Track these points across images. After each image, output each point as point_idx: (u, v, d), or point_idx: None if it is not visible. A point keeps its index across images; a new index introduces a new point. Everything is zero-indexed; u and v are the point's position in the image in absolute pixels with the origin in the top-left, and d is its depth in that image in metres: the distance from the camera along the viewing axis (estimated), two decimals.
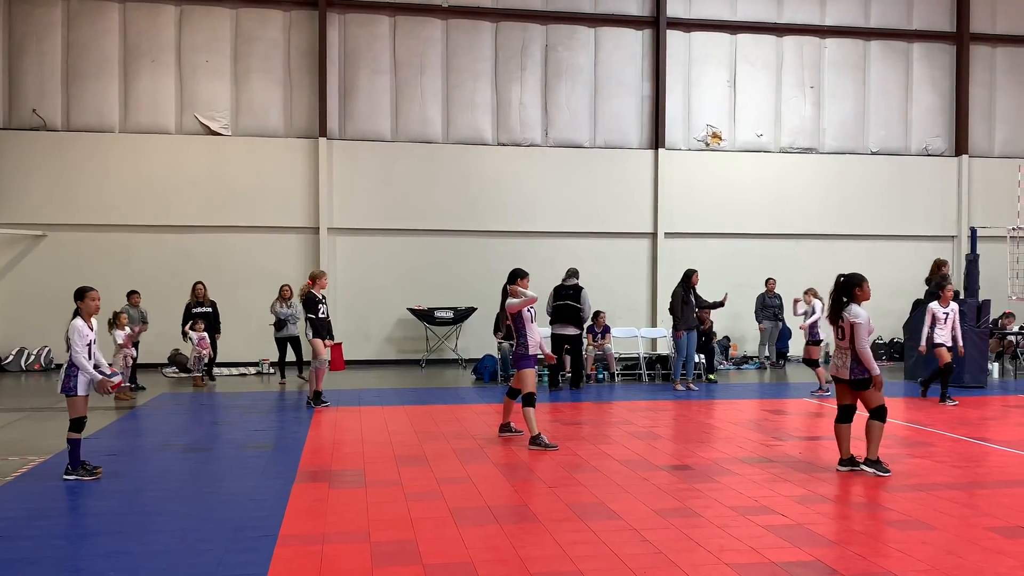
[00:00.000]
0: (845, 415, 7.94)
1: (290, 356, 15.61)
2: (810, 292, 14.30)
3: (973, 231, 15.88)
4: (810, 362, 14.07)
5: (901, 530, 5.99)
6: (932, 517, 6.31)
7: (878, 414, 7.71)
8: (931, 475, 7.76)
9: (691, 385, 14.53)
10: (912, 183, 20.69)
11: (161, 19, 18.14)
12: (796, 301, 14.29)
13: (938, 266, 14.96)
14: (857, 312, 7.73)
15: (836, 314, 7.87)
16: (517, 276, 9.56)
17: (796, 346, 19.43)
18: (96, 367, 7.70)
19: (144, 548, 5.59)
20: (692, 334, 14.50)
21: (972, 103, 20.93)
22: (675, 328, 14.53)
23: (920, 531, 5.96)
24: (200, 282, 15.80)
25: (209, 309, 15.67)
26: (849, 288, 7.85)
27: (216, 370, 16.40)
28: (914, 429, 10.35)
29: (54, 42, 17.85)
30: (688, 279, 14.53)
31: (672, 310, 14.54)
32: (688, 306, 14.38)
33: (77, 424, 7.61)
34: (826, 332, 13.89)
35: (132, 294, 15.04)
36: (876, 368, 7.71)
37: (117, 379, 8.00)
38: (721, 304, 14.80)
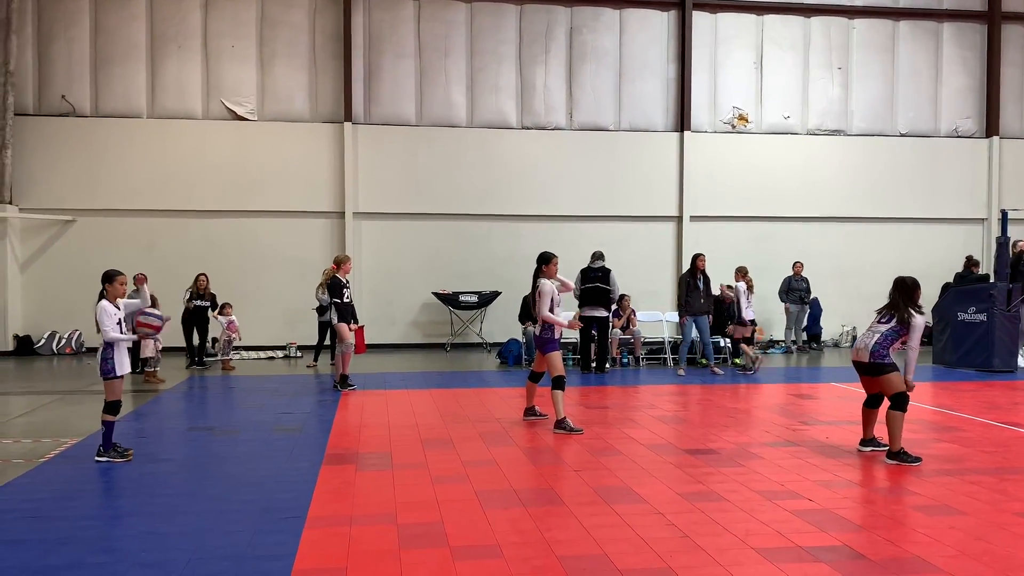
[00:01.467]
0: (873, 400, 7.94)
1: (329, 341, 15.63)
2: (739, 272, 14.44)
3: (1004, 213, 15.65)
4: (747, 340, 14.63)
5: (929, 515, 5.95)
6: (961, 502, 6.26)
7: (898, 402, 7.57)
8: (960, 460, 7.69)
9: (715, 369, 14.46)
10: (942, 165, 20.43)
11: (187, 5, 18.23)
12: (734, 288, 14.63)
13: (1021, 250, 15.17)
14: (920, 316, 7.67)
15: (892, 308, 7.71)
16: (545, 260, 9.55)
17: (829, 328, 19.47)
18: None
19: (175, 529, 5.67)
20: (702, 319, 14.41)
21: (1003, 83, 20.60)
22: (680, 314, 14.53)
23: (949, 516, 5.91)
24: (203, 274, 15.47)
25: (207, 303, 15.35)
26: (911, 291, 7.71)
27: (243, 353, 16.53)
28: (943, 414, 10.27)
29: (82, 28, 17.99)
30: (693, 263, 14.54)
31: (678, 296, 14.54)
32: (695, 291, 14.33)
33: (113, 407, 7.70)
34: (753, 313, 14.68)
35: (138, 277, 13.90)
36: (912, 373, 7.69)
37: (159, 322, 8.21)
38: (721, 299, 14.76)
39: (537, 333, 9.55)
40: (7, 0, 17.33)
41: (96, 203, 17.90)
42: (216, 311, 15.37)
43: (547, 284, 9.42)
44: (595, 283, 14.41)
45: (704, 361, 15.14)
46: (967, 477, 7.01)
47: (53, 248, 17.93)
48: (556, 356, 9.35)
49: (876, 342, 7.67)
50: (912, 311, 7.64)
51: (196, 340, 15.32)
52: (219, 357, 15.36)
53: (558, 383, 9.22)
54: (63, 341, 17.61)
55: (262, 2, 18.47)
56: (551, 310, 9.37)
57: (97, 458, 7.62)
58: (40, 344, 17.53)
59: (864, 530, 5.63)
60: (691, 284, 14.36)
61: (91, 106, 18.07)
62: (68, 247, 17.87)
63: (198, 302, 15.29)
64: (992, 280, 15.24)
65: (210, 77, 18.38)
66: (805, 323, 18.91)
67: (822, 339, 19.37)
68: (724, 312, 16.05)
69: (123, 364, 7.78)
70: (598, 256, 14.72)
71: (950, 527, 5.66)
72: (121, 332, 7.78)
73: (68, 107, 17.96)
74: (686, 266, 18.98)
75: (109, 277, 7.88)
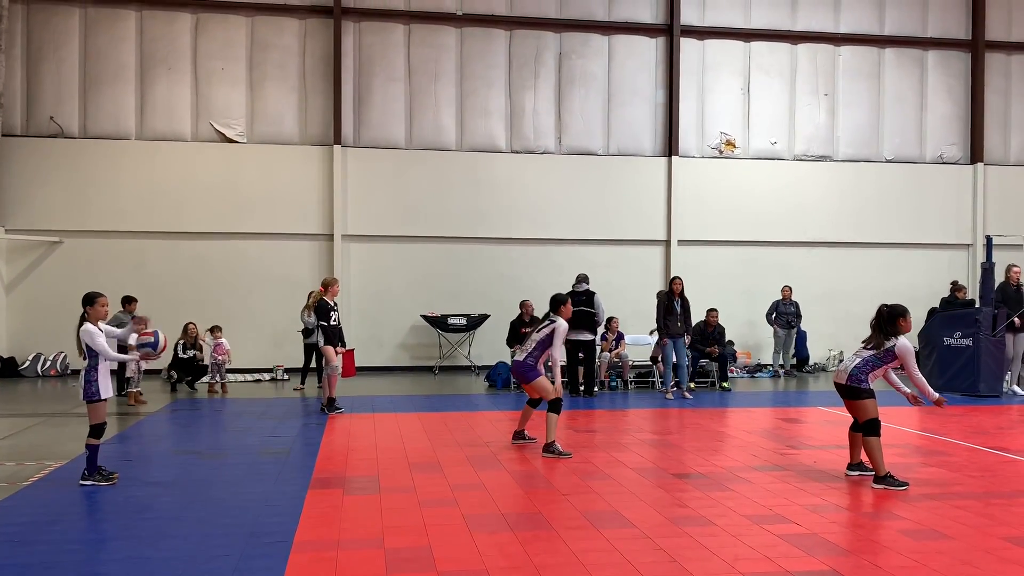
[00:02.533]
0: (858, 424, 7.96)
1: (314, 363, 15.59)
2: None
3: (989, 239, 15.79)
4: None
5: (916, 539, 5.96)
6: (948, 527, 6.28)
7: (870, 428, 7.59)
8: (947, 484, 7.71)
9: (686, 393, 14.40)
10: (927, 191, 20.62)
11: (177, 27, 18.28)
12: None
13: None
14: (904, 342, 7.69)
15: (878, 339, 7.73)
16: (562, 301, 9.51)
17: (815, 352, 19.53)
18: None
19: (160, 554, 5.62)
20: (679, 341, 14.47)
21: (987, 111, 20.85)
22: (660, 336, 14.58)
23: (935, 541, 5.93)
24: (192, 323, 15.44)
25: (196, 352, 15.33)
26: (894, 319, 7.73)
27: (230, 376, 16.45)
28: (929, 438, 10.30)
29: (71, 49, 18.01)
30: (670, 286, 14.70)
31: (656, 318, 14.59)
32: (672, 315, 14.39)
33: (97, 430, 7.63)
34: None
35: (129, 300, 14.25)
36: (934, 393, 7.85)
37: (161, 342, 8.10)
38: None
39: (520, 359, 9.41)
40: None
41: (84, 224, 17.84)
42: (207, 331, 15.29)
43: (564, 324, 9.36)
44: (579, 306, 14.40)
45: (725, 385, 15.74)
46: (954, 502, 7.02)
47: (40, 269, 17.84)
48: (544, 380, 9.32)
49: (856, 366, 7.72)
50: (885, 339, 7.69)
51: (188, 373, 15.32)
52: (209, 380, 15.26)
53: (555, 406, 9.19)
54: (48, 363, 17.50)
55: (252, 24, 18.55)
56: (555, 341, 9.34)
57: (81, 482, 7.55)
58: (25, 366, 17.41)
59: (851, 554, 5.64)
60: (668, 307, 14.42)
61: (80, 127, 18.06)
62: (55, 268, 17.78)
63: (191, 351, 15.24)
64: (978, 305, 15.34)
65: (199, 99, 18.41)
66: (795, 347, 18.97)
67: (811, 362, 19.42)
68: (709, 335, 16.13)
69: (107, 387, 7.72)
70: (582, 279, 14.75)
71: (937, 552, 5.67)
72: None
73: (56, 128, 17.94)
74: None
75: (90, 299, 7.78)
